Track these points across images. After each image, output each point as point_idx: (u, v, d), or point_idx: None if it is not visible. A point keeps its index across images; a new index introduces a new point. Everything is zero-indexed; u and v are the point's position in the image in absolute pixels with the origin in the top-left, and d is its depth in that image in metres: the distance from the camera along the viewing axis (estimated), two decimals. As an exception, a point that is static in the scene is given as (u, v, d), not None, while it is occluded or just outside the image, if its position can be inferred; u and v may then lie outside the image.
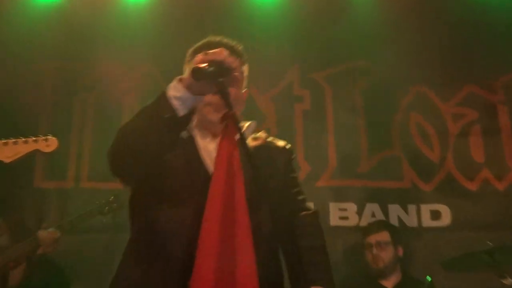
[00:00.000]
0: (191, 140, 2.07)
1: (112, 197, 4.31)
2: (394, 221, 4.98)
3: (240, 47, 2.17)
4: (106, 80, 5.18)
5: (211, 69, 1.75)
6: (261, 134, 2.22)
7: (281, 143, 2.29)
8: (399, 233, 4.62)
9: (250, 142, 2.12)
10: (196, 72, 1.76)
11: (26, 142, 3.08)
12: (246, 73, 2.21)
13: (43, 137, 3.21)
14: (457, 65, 5.33)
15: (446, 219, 5.01)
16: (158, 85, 4.96)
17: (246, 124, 2.16)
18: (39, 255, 4.05)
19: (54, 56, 5.27)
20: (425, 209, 5.06)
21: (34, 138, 3.15)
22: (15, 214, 4.67)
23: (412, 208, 5.07)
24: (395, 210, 5.06)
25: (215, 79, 1.77)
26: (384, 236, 4.47)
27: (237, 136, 1.87)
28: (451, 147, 5.24)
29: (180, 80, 1.81)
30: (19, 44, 5.10)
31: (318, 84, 5.40)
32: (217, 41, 2.09)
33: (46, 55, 5.25)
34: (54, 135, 3.37)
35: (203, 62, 1.78)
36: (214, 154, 1.98)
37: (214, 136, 2.10)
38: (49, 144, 3.17)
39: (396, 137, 5.28)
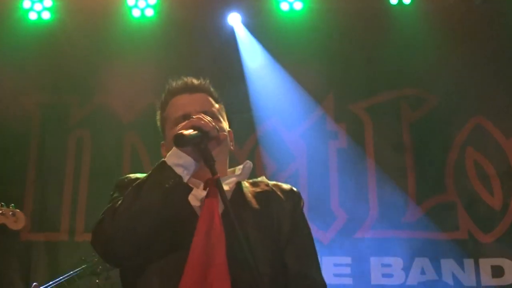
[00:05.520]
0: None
1: None
2: (448, 278, 4.78)
3: (210, 86, 2.19)
4: (104, 114, 5.03)
5: (194, 134, 1.87)
6: (263, 179, 2.19)
7: (286, 186, 2.19)
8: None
9: (249, 187, 2.12)
10: (178, 139, 1.87)
11: None
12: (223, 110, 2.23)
13: (10, 210, 3.61)
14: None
15: (510, 276, 4.79)
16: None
17: (239, 167, 2.15)
18: None
19: (43, 87, 5.10)
20: (485, 264, 4.83)
21: (1, 211, 3.54)
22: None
23: (469, 263, 4.83)
24: (449, 266, 4.84)
25: (198, 145, 1.88)
26: None
27: (219, 203, 1.89)
28: (515, 191, 5.03)
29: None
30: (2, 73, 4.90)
31: (356, 117, 5.19)
32: (192, 85, 2.14)
33: (34, 86, 5.08)
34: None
35: (186, 128, 1.88)
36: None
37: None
38: (17, 220, 3.55)
39: (450, 179, 5.04)
